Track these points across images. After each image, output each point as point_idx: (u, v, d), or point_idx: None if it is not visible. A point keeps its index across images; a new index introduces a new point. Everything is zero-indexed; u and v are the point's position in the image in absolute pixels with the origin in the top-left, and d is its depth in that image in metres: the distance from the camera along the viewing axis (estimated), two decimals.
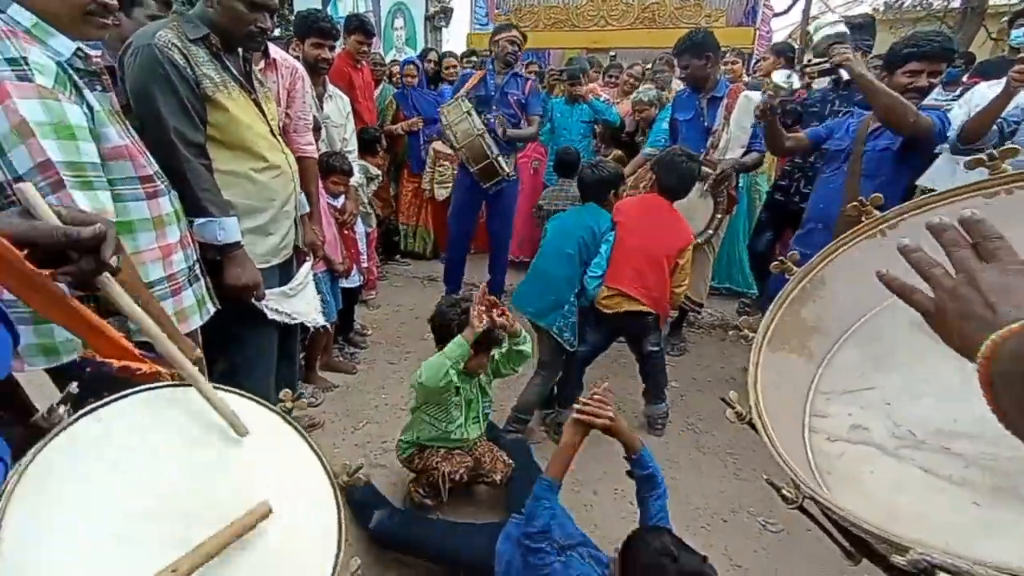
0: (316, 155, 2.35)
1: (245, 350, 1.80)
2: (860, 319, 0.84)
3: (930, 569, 0.40)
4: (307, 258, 2.09)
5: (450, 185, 4.27)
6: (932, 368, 0.70)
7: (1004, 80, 2.39)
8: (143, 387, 0.75)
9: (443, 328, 1.87)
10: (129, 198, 1.22)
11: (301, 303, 1.96)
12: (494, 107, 3.37)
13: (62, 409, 0.65)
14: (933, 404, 0.67)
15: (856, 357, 0.80)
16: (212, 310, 1.50)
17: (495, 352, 1.96)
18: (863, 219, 0.85)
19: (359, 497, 1.83)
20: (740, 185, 3.98)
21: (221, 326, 1.76)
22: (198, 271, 1.46)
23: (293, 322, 1.91)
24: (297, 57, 2.76)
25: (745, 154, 2.91)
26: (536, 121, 3.51)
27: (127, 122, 1.26)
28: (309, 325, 2.05)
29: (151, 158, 1.30)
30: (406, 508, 1.97)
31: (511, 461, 2.00)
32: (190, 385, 0.80)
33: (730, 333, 3.68)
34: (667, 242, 2.32)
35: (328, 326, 2.70)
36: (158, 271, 1.30)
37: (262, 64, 1.93)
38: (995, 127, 2.48)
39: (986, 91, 2.81)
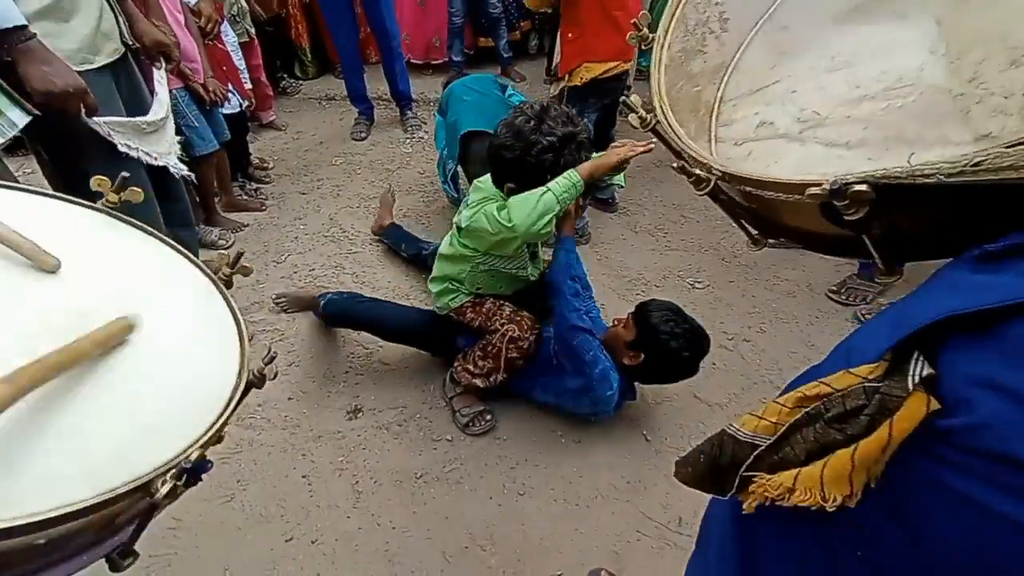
0: None
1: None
2: (764, 14, 0.75)
3: (843, 188, 0.40)
4: (157, 65, 1.64)
5: None
6: (834, 45, 0.66)
7: None
8: None
9: (527, 163, 1.28)
10: None
11: (162, 143, 1.58)
12: None
13: None
14: (837, 78, 0.63)
15: (762, 54, 0.74)
16: (21, 120, 1.14)
17: None
18: None
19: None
20: None
21: (69, 163, 1.42)
22: None
23: (155, 163, 1.54)
24: None
25: None
26: None
27: None
28: (172, 171, 1.64)
29: None
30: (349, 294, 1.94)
31: None
32: None
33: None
34: None
35: (215, 157, 2.34)
36: None
37: None
38: None
39: None
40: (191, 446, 0.50)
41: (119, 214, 0.67)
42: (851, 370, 0.40)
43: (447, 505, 1.46)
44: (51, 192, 0.65)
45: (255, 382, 0.61)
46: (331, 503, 1.46)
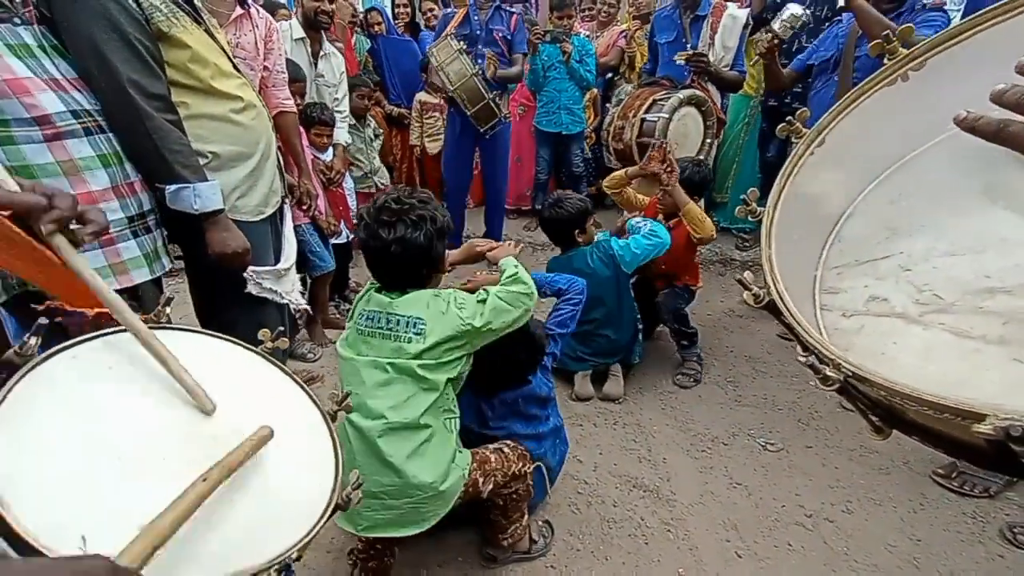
0: (295, 109, 2.26)
1: (246, 331, 1.75)
2: (871, 183, 0.74)
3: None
4: (286, 203, 2.02)
5: (441, 138, 4.12)
6: (954, 227, 0.63)
7: None
8: (119, 328, 0.74)
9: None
10: (21, 140, 1.09)
11: (288, 283, 1.93)
12: (480, 46, 3.21)
13: (33, 341, 0.64)
14: (959, 263, 0.59)
15: (868, 226, 0.72)
16: (167, 265, 1.40)
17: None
18: (885, 60, 0.72)
19: None
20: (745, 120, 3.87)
21: (216, 310, 1.71)
22: (151, 223, 1.35)
23: (280, 302, 1.86)
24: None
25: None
26: (521, 59, 3.37)
27: (49, 56, 1.13)
28: (293, 307, 1.99)
29: (61, 95, 1.13)
30: None
31: None
32: (173, 329, 0.82)
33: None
34: None
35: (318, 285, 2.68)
36: None
37: (237, 11, 1.79)
38: None
39: None
40: (294, 546, 0.67)
41: (271, 357, 0.90)
42: None
43: None
44: (227, 337, 0.88)
45: (342, 505, 0.77)
46: None
